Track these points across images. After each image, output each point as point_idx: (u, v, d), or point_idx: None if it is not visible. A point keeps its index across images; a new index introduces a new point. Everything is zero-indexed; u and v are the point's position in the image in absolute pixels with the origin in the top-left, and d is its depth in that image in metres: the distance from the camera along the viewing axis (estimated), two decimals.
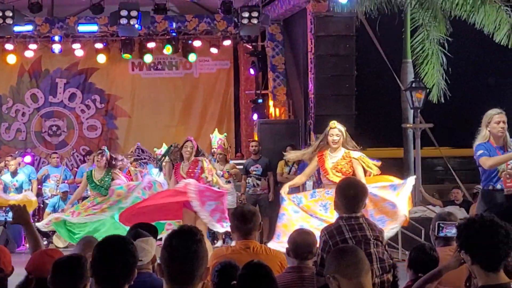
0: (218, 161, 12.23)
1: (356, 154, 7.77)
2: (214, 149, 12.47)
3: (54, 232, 11.34)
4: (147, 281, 3.96)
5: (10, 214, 4.30)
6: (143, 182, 10.04)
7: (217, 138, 12.55)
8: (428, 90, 12.49)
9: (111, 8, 12.96)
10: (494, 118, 6.63)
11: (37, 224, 10.34)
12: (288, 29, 14.62)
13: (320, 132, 9.18)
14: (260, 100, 15.46)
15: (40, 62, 15.79)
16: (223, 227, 8.81)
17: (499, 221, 3.21)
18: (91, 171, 10.46)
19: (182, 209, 8.86)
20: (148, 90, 16.11)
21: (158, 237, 4.71)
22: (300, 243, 4.52)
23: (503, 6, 12.14)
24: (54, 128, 15.95)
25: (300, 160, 10.50)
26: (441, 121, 13.45)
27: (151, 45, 15.38)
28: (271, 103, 15.12)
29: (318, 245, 4.37)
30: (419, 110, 12.18)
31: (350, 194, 4.34)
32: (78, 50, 15.31)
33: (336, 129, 7.83)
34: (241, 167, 12.70)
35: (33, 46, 15.11)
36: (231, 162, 12.87)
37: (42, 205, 12.93)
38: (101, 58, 15.46)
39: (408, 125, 12.68)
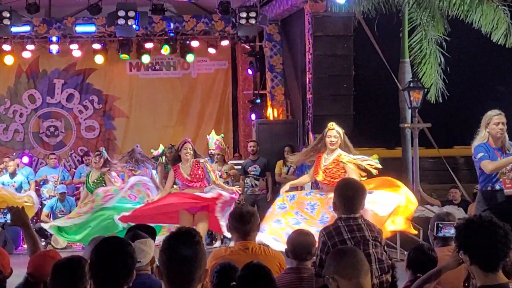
0: (216, 162, 12.22)
1: (345, 158, 7.67)
2: (212, 150, 12.45)
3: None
4: (146, 282, 3.96)
5: (9, 216, 4.31)
6: (128, 182, 9.93)
7: (214, 139, 12.54)
8: (426, 90, 12.46)
9: (108, 9, 12.93)
10: (493, 119, 6.64)
11: (42, 225, 10.42)
12: (286, 29, 14.61)
13: (318, 132, 9.19)
14: (258, 100, 15.42)
15: (37, 63, 15.76)
16: None
17: (497, 221, 3.21)
18: (90, 172, 10.53)
19: (179, 211, 8.83)
20: (146, 90, 16.09)
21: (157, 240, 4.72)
22: (299, 244, 4.53)
23: (500, 6, 12.14)
24: (52, 129, 15.92)
25: None
26: (439, 121, 13.42)
27: (149, 45, 15.37)
28: (269, 103, 15.11)
29: (317, 246, 4.38)
30: (417, 110, 12.15)
31: (349, 194, 4.34)
32: (76, 51, 15.27)
33: (334, 130, 7.80)
34: (239, 167, 12.69)
35: (30, 46, 15.08)
36: (229, 162, 12.87)
37: (40, 206, 12.90)
38: (99, 59, 15.43)
39: (406, 125, 12.66)
